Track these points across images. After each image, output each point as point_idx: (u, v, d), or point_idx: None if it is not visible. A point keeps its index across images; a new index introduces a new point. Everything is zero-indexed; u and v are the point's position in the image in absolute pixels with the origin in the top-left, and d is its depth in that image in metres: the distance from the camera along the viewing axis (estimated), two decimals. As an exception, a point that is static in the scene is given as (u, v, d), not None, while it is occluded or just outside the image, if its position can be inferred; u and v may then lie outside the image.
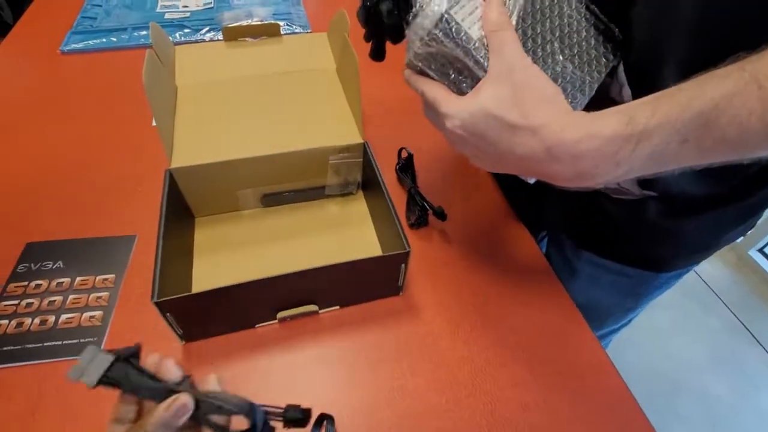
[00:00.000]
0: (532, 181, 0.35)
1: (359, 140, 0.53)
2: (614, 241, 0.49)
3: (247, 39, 0.65)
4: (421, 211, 0.55)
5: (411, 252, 0.43)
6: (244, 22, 0.85)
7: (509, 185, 0.60)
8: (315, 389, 0.42)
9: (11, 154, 0.62)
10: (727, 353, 1.33)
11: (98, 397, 0.41)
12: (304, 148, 0.52)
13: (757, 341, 1.36)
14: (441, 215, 0.54)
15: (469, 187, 0.62)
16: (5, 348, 0.43)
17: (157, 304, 0.38)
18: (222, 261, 0.51)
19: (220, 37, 0.82)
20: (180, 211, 0.51)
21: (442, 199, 0.56)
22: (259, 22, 0.65)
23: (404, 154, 0.60)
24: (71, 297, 0.47)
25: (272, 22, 0.64)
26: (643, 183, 0.41)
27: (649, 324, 1.35)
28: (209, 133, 0.53)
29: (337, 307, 0.48)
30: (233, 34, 0.64)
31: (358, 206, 0.58)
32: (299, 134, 0.53)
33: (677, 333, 1.36)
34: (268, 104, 0.57)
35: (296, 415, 0.30)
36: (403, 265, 0.45)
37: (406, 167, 0.60)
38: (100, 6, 0.93)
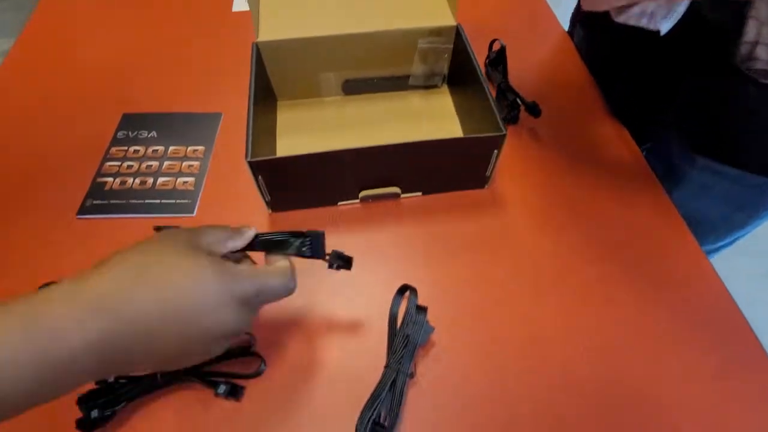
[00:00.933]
0: (665, 28, 0.30)
1: (452, 23, 0.49)
2: (742, 141, 0.43)
3: None
4: (511, 107, 0.51)
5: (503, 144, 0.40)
6: None
7: (613, 82, 0.54)
8: (393, 268, 0.42)
9: (106, 35, 0.63)
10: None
11: None
12: (391, 29, 0.49)
13: None
14: (534, 110, 0.50)
15: (565, 83, 0.56)
16: (113, 201, 0.46)
17: (250, 163, 0.39)
18: (303, 143, 0.51)
19: None
20: (265, 91, 0.51)
21: (534, 95, 0.51)
22: None
23: (496, 46, 0.55)
24: (166, 163, 0.49)
25: None
26: None
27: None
28: (296, 10, 0.50)
29: (419, 194, 0.47)
30: None
31: (443, 100, 0.55)
32: (388, 14, 0.50)
33: None
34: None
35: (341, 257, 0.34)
36: (495, 152, 0.42)
37: (497, 61, 0.55)
38: None
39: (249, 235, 0.31)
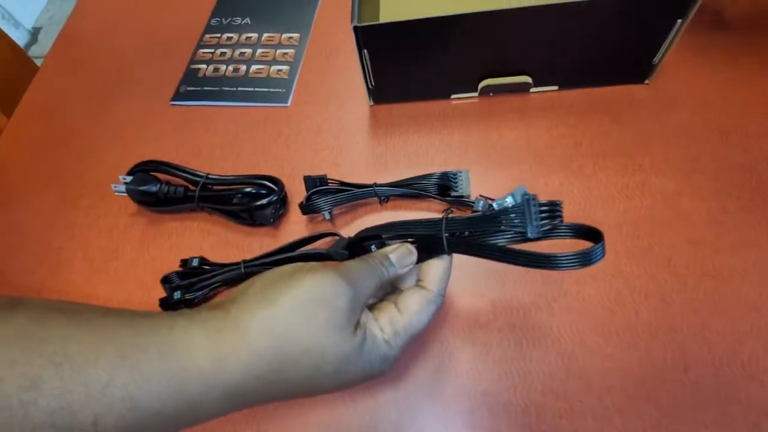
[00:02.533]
0: None
1: None
2: None
3: None
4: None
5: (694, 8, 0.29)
6: None
7: None
8: (513, 171, 0.34)
9: None
10: None
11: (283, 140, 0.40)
12: None
13: None
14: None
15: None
16: (206, 88, 0.42)
17: (356, 29, 0.32)
18: (413, 11, 0.43)
19: None
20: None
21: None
22: None
23: None
24: (259, 51, 0.44)
25: None
26: None
27: None
28: None
29: (555, 88, 0.37)
30: None
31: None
32: None
33: None
34: None
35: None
36: (680, 21, 0.31)
37: None
38: None
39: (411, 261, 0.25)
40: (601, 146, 0.34)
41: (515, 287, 0.30)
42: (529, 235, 0.20)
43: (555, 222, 0.20)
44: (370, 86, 0.37)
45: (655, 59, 0.34)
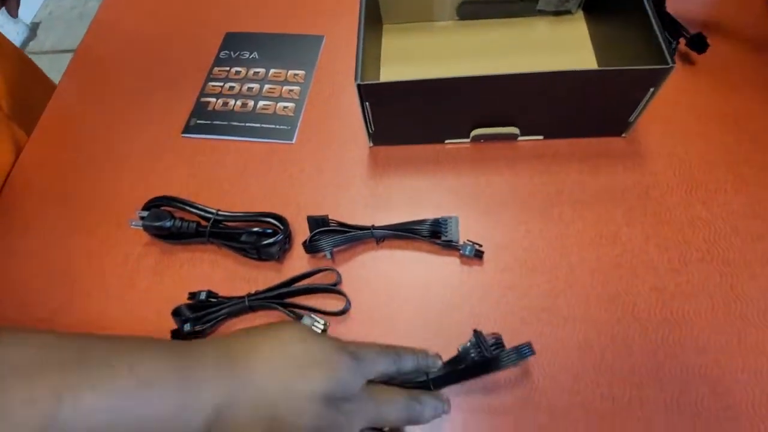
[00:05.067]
0: None
1: (607, -74, 0.39)
2: None
3: None
4: (669, 38, 0.41)
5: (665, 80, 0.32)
6: None
7: None
8: (499, 216, 0.37)
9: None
10: None
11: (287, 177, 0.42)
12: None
13: None
14: (699, 44, 0.40)
15: (740, 15, 0.44)
16: (215, 122, 0.45)
17: (359, 86, 0.35)
18: (411, 72, 0.46)
19: None
20: (371, 12, 0.45)
21: (697, 26, 0.41)
22: None
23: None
24: (266, 86, 0.47)
25: None
26: None
27: None
28: None
29: (541, 137, 0.41)
30: None
31: (576, 28, 0.46)
32: None
33: None
34: None
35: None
36: (652, 90, 0.34)
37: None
38: None
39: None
40: (580, 195, 0.38)
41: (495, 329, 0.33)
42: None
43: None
44: (370, 131, 0.40)
45: (631, 118, 0.38)
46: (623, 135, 0.40)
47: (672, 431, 0.29)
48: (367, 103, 0.37)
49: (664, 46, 0.33)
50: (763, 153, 0.38)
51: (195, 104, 0.47)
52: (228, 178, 0.42)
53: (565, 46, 0.45)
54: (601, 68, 0.34)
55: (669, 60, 0.32)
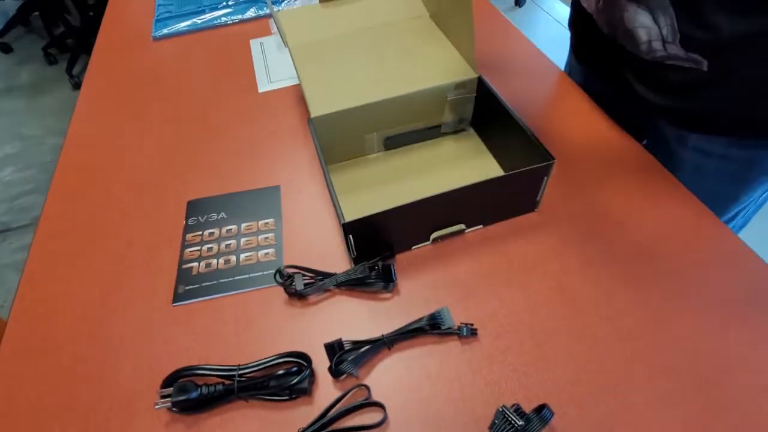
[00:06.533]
0: None
1: (473, 75, 0.56)
2: (716, 109, 0.53)
3: (340, -3, 0.68)
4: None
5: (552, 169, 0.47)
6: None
7: (607, 95, 0.64)
8: (475, 295, 0.46)
9: (150, 130, 0.68)
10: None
11: (308, 321, 0.47)
12: (424, 88, 0.55)
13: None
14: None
15: (569, 110, 0.64)
16: (204, 284, 0.49)
17: (344, 225, 0.43)
18: (362, 199, 0.56)
19: (296, 4, 0.85)
20: (321, 155, 0.56)
21: (541, 123, 0.59)
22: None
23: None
24: (243, 240, 0.52)
25: (363, -23, 0.67)
26: (686, 44, 0.50)
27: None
28: (334, 85, 0.57)
29: (481, 226, 0.52)
30: (328, -6, 0.67)
31: (474, 141, 0.61)
32: (416, 77, 0.57)
33: None
34: (379, 53, 0.61)
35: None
36: (545, 178, 0.48)
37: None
38: (172, -6, 0.98)
39: None
40: (525, 262, 0.49)
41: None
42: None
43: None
44: (352, 255, 0.47)
45: (538, 198, 0.51)
46: (536, 210, 0.53)
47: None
48: (350, 236, 0.44)
49: (544, 147, 0.47)
50: (621, 203, 0.54)
51: (178, 272, 0.50)
52: (232, 333, 0.45)
53: (470, 156, 0.60)
54: (510, 172, 0.47)
55: (551, 156, 0.46)
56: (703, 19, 0.48)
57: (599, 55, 0.65)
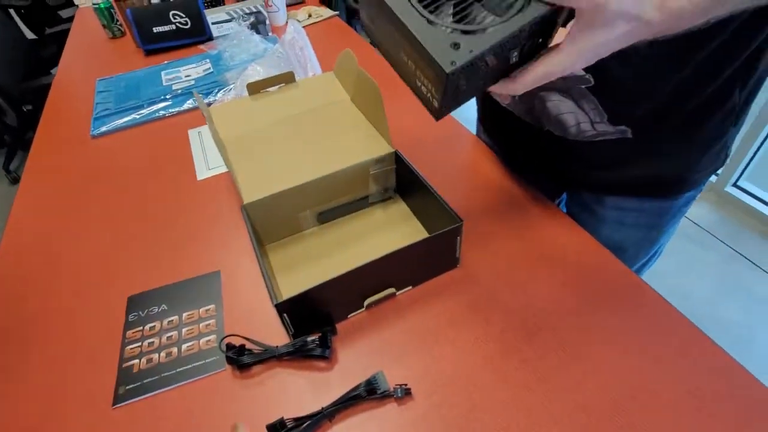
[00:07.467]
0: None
1: (390, 150, 0.63)
2: (630, 176, 0.60)
3: (268, 90, 0.75)
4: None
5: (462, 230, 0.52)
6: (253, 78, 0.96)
7: (531, 167, 0.71)
8: (409, 355, 0.50)
9: (89, 229, 0.69)
10: (731, 281, 1.44)
11: (251, 402, 0.48)
12: (348, 166, 0.61)
13: (756, 265, 1.48)
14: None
15: (483, 179, 0.72)
16: (145, 381, 0.49)
17: (277, 306, 0.46)
18: (300, 275, 0.59)
19: (229, 96, 0.92)
20: (258, 241, 0.59)
21: (461, 193, 0.66)
22: (277, 73, 0.75)
23: (425, 155, 0.70)
24: (185, 330, 0.54)
25: (288, 71, 0.74)
26: (615, 120, 0.53)
27: (660, 270, 1.45)
28: (264, 171, 0.62)
29: (410, 287, 0.56)
30: (256, 88, 0.74)
31: (399, 207, 0.67)
32: (339, 156, 0.63)
33: (684, 273, 1.47)
34: (304, 138, 0.67)
35: None
36: (458, 237, 0.54)
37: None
38: (111, 91, 1.03)
39: None
40: (451, 317, 0.53)
41: (445, 442, 0.43)
42: None
43: None
44: (290, 332, 0.50)
45: (456, 255, 0.56)
46: (458, 266, 0.58)
47: (581, 454, 0.41)
48: (285, 315, 0.47)
49: (452, 211, 0.53)
50: (526, 255, 0.60)
51: (118, 372, 0.50)
52: (176, 428, 0.45)
53: (398, 222, 0.65)
54: (428, 236, 0.52)
55: (459, 219, 0.52)
56: (621, 102, 0.52)
57: (510, 133, 0.71)
